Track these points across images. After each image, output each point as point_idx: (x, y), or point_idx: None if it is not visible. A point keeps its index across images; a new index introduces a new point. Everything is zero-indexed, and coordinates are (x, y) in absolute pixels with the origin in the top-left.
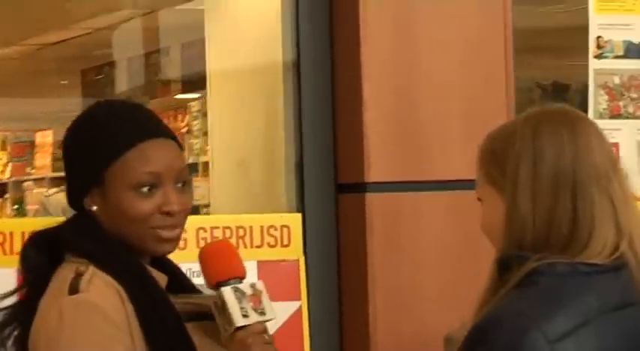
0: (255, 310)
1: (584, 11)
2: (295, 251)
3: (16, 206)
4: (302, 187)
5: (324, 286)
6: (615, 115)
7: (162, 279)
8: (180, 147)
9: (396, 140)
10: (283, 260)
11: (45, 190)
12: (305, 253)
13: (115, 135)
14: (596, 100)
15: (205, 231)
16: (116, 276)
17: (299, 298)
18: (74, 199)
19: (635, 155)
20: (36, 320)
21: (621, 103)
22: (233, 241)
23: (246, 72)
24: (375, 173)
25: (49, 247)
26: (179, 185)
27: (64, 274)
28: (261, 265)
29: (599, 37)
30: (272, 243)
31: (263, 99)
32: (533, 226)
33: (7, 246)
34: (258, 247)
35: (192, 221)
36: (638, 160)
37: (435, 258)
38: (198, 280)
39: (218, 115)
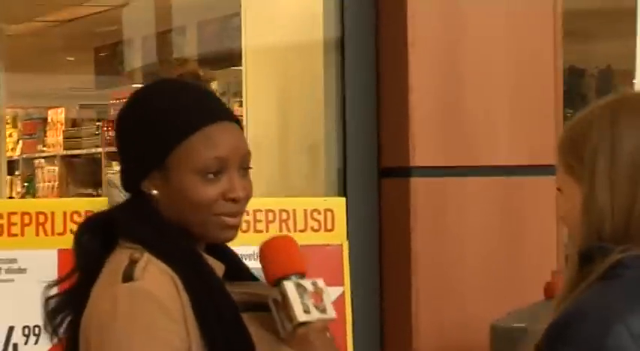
0: (316, 307)
1: None
2: (339, 236)
3: (26, 184)
4: (345, 171)
5: (367, 272)
6: None
7: (219, 267)
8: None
9: (442, 124)
10: (327, 245)
11: (54, 168)
12: (348, 237)
13: (180, 117)
14: None
15: (248, 214)
16: (171, 263)
17: (342, 284)
18: (131, 182)
19: None
20: (88, 307)
21: None
22: (276, 224)
23: (284, 49)
24: (420, 158)
25: (103, 231)
26: (242, 171)
27: (118, 260)
28: (304, 249)
29: None
30: (316, 227)
31: (303, 78)
32: (612, 216)
33: (48, 226)
34: (301, 231)
35: None
36: None
37: (479, 245)
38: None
39: (253, 94)
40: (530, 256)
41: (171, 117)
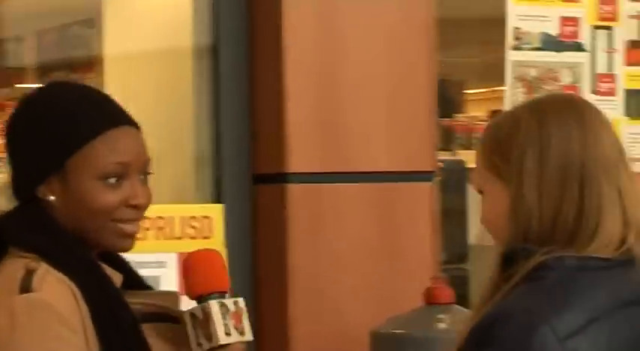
0: (236, 328)
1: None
2: (217, 243)
3: None
4: (220, 178)
5: (242, 280)
6: None
7: (117, 277)
8: None
9: (318, 131)
10: None
11: None
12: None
13: (80, 120)
14: (513, 93)
15: None
16: (69, 273)
17: None
18: (24, 187)
19: None
20: None
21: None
22: (152, 232)
23: (150, 56)
24: (296, 164)
25: None
26: (142, 177)
27: (11, 270)
28: (182, 257)
29: (516, 28)
30: (192, 234)
31: (170, 84)
32: (539, 217)
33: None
34: (178, 238)
35: None
36: None
37: (356, 250)
38: None
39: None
40: (406, 262)
41: (72, 119)
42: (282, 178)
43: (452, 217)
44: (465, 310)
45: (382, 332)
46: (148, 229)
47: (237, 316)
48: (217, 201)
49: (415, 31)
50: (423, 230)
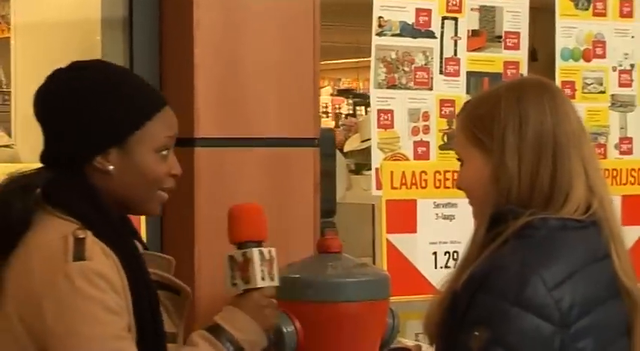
0: (269, 274)
1: None
2: None
3: None
4: None
5: (152, 229)
6: (391, 86)
7: (139, 247)
8: None
9: (222, 100)
10: None
11: None
12: None
13: (142, 98)
14: (377, 72)
15: None
16: (110, 244)
17: None
18: (79, 156)
19: (406, 121)
20: (32, 277)
21: (396, 75)
22: None
23: (60, 26)
24: (202, 130)
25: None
26: None
27: (57, 233)
28: None
29: (380, 17)
30: None
31: (78, 54)
32: (518, 183)
33: None
34: None
35: None
36: (408, 125)
37: None
38: None
39: (21, 70)
40: (294, 218)
41: (132, 97)
42: (191, 142)
43: (324, 178)
44: (351, 257)
45: (282, 277)
46: None
47: (270, 263)
48: None
49: (303, 14)
50: (308, 190)
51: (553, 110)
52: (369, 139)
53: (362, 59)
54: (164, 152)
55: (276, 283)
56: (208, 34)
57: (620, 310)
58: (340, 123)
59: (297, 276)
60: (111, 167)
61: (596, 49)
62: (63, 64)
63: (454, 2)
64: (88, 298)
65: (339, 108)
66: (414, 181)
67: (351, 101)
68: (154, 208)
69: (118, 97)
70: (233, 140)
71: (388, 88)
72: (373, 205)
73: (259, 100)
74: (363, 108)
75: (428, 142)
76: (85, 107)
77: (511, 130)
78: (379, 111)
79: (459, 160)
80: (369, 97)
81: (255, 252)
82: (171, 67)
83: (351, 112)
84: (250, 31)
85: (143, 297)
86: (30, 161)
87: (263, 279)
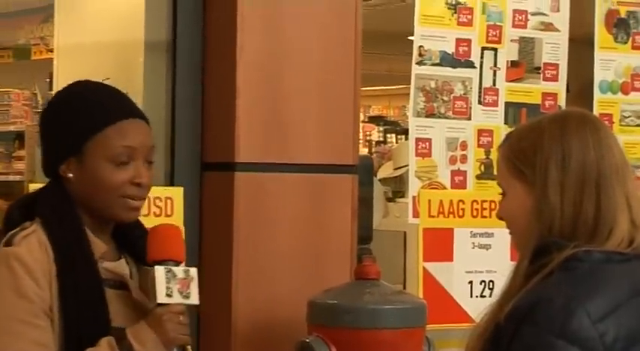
0: (180, 292)
1: None
2: (177, 220)
3: None
4: (172, 165)
5: (190, 252)
6: (430, 115)
7: (99, 247)
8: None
9: (263, 125)
10: None
11: None
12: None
13: (97, 111)
14: (416, 101)
15: None
16: (51, 236)
17: None
18: (50, 166)
19: (444, 149)
20: None
21: (435, 104)
22: None
23: (102, 48)
24: (243, 154)
25: (30, 208)
26: (147, 163)
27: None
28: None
29: (420, 46)
30: (158, 212)
31: (118, 76)
32: (561, 216)
33: None
34: (145, 215)
35: None
36: (446, 154)
37: (291, 230)
38: None
39: None
40: (332, 244)
41: (91, 110)
42: (232, 166)
43: (361, 205)
44: (388, 284)
45: (318, 302)
46: None
47: (185, 282)
48: (170, 185)
49: (345, 42)
50: (345, 216)
51: (596, 143)
52: (402, 167)
53: (393, 87)
54: (120, 162)
55: (191, 301)
56: (251, 58)
57: None
58: (374, 150)
59: (335, 302)
60: (70, 175)
61: (634, 82)
62: None
63: (494, 33)
64: (2, 280)
65: (370, 135)
66: (451, 210)
67: (381, 128)
68: (119, 215)
69: (74, 110)
70: (273, 165)
71: (427, 116)
72: (405, 232)
73: (299, 125)
74: (393, 135)
75: (465, 172)
76: (49, 123)
77: (554, 164)
78: (417, 139)
79: (501, 193)
80: (399, 125)
81: (158, 269)
82: (213, 90)
83: (381, 139)
84: (292, 57)
85: (68, 285)
86: None
87: (169, 295)
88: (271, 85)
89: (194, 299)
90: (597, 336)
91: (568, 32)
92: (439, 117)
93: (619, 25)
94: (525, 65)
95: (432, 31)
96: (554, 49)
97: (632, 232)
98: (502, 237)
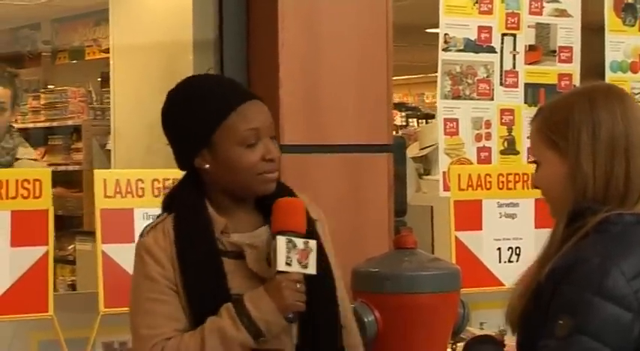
0: (299, 262)
1: None
2: None
3: None
4: None
5: None
6: (456, 97)
7: (220, 222)
8: None
9: (304, 111)
10: None
11: None
12: None
13: (217, 101)
14: (443, 85)
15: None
16: (175, 222)
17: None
18: (184, 161)
19: (470, 128)
20: None
21: (460, 87)
22: None
23: (153, 48)
24: (287, 137)
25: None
26: (271, 138)
27: None
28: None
29: (446, 34)
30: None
31: (170, 74)
32: (594, 182)
33: None
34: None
35: None
36: (472, 133)
37: (333, 207)
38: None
39: (120, 88)
40: (370, 218)
41: (210, 103)
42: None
43: (396, 181)
44: (425, 252)
45: (361, 270)
46: None
47: (305, 253)
48: None
49: (378, 32)
50: (382, 192)
51: (623, 114)
52: (427, 147)
53: (413, 76)
54: (248, 144)
55: (309, 271)
56: (292, 52)
57: None
58: (400, 133)
59: (377, 270)
60: (207, 166)
61: None
62: (156, 83)
63: (512, 20)
64: (135, 268)
65: (394, 120)
66: (479, 183)
67: (403, 113)
68: (259, 190)
69: (196, 105)
70: (314, 147)
71: (453, 98)
72: (432, 206)
73: (338, 110)
74: (414, 119)
75: (490, 148)
76: (175, 121)
77: (585, 134)
78: (445, 119)
79: (534, 162)
80: (420, 110)
81: (280, 239)
82: (258, 82)
83: (404, 123)
84: (330, 48)
85: (188, 263)
86: (123, 167)
87: (288, 264)
88: (311, 74)
89: (312, 269)
90: (632, 292)
91: (580, 18)
92: (464, 99)
93: (627, 9)
94: (542, 49)
95: (456, 20)
96: (568, 33)
97: None
98: (527, 206)
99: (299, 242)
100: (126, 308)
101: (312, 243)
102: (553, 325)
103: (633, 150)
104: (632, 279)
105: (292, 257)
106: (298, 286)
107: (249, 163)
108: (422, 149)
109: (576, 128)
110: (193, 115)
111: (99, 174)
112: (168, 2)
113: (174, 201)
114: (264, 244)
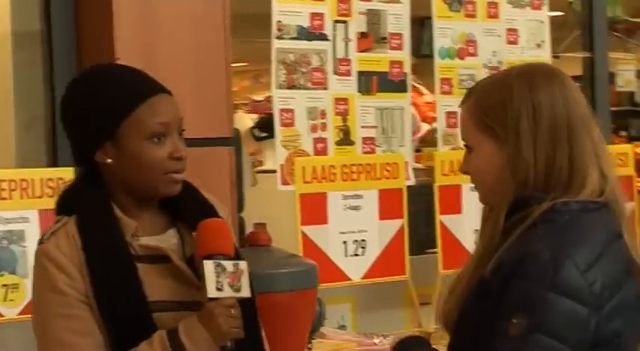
0: (231, 286)
1: None
2: None
3: None
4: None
5: None
6: (291, 86)
7: (130, 224)
8: None
9: None
10: None
11: None
12: None
13: (125, 92)
14: (277, 74)
15: None
16: (79, 225)
17: None
18: (83, 155)
19: (305, 119)
20: None
21: (295, 76)
22: (17, 193)
23: None
24: None
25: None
26: (179, 135)
27: None
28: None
29: (279, 21)
30: (50, 194)
31: None
32: (535, 171)
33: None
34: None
35: None
36: (307, 123)
37: None
38: None
39: None
40: None
41: (117, 93)
42: None
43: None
44: (280, 248)
45: None
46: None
47: (235, 275)
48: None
49: (214, 21)
50: (225, 185)
51: (564, 96)
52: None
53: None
54: (156, 139)
55: (241, 294)
56: (127, 42)
57: (636, 288)
58: None
59: None
60: (109, 160)
61: (468, 47)
62: None
63: (344, 7)
64: (35, 278)
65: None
66: (323, 175)
67: None
68: (164, 190)
69: (100, 95)
70: None
71: (288, 88)
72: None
73: (177, 100)
74: None
75: (326, 139)
76: (75, 111)
77: (525, 119)
78: (281, 110)
79: (466, 146)
80: None
81: (207, 264)
82: None
83: None
84: (166, 38)
85: (99, 272)
86: None
87: (220, 289)
88: (147, 70)
89: (245, 292)
90: (587, 285)
91: (409, 4)
92: (299, 88)
93: None
94: (373, 36)
95: (289, 7)
96: (398, 19)
97: (601, 181)
98: (370, 198)
99: (228, 265)
100: None
101: (243, 264)
102: (505, 324)
103: (575, 134)
104: (586, 271)
105: (223, 282)
106: (232, 311)
107: (156, 159)
108: None
109: (515, 113)
110: (99, 104)
111: None
112: None
113: (75, 201)
114: (177, 248)
